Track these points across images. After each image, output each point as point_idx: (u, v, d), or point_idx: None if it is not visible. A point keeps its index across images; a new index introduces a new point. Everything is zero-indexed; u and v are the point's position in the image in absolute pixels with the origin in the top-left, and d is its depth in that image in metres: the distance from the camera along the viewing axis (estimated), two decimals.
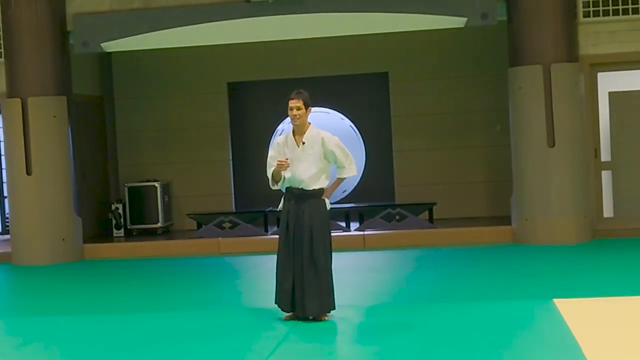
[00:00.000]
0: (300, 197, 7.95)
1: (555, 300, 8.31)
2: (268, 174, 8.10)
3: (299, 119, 7.96)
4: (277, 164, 7.90)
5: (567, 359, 6.41)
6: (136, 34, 13.09)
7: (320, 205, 8.01)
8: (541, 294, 8.80)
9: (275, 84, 15.31)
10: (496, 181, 14.65)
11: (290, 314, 8.07)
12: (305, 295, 7.90)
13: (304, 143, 7.97)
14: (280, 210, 8.18)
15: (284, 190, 8.17)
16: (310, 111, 8.04)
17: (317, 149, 7.97)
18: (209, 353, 7.16)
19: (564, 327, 7.28)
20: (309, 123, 8.07)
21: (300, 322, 7.99)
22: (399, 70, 15.07)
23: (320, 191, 8.03)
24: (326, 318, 8.04)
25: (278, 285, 8.07)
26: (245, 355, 7.06)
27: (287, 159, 7.89)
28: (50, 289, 11.23)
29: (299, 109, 7.95)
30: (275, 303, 8.13)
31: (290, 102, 7.98)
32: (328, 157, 8.02)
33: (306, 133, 8.01)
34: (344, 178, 8.15)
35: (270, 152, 8.15)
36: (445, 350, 6.84)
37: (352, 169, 8.10)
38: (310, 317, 8.00)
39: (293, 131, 8.09)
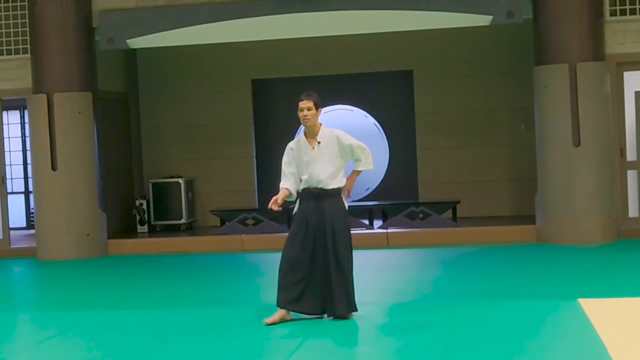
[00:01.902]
0: (320, 196, 7.89)
1: (580, 300, 8.25)
2: (281, 184, 8.01)
3: (309, 119, 7.90)
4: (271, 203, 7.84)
5: (592, 358, 6.37)
6: (161, 31, 13.14)
7: (339, 204, 7.97)
8: (566, 294, 8.75)
9: (299, 81, 15.30)
10: (520, 180, 14.59)
11: (274, 315, 7.86)
12: (334, 296, 7.83)
13: (319, 143, 7.91)
14: (295, 213, 8.07)
15: (299, 192, 8.07)
16: (320, 112, 7.98)
17: (332, 147, 7.91)
18: (232, 349, 7.16)
19: (589, 326, 7.24)
20: (320, 124, 8.01)
21: (322, 320, 7.97)
22: (424, 68, 15.03)
23: (339, 190, 7.97)
24: (351, 316, 8.01)
25: (295, 288, 7.84)
26: (269, 352, 7.06)
27: (279, 205, 7.82)
28: (74, 284, 11.29)
29: (309, 109, 7.90)
30: (284, 306, 7.88)
31: (300, 103, 7.94)
32: (345, 153, 7.97)
33: (319, 133, 7.95)
34: (361, 171, 8.07)
35: (285, 159, 8.07)
36: (469, 348, 6.82)
37: (369, 162, 8.03)
38: (331, 317, 7.92)
39: (305, 133, 8.02)
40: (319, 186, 7.91)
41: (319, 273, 7.88)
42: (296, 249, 7.90)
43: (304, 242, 7.90)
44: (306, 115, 7.91)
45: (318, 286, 7.90)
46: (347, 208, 8.05)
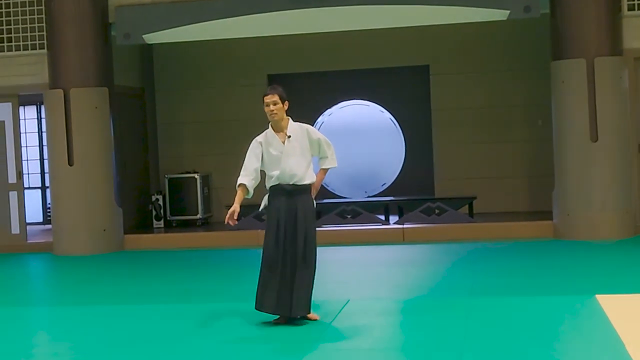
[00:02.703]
0: (293, 193, 7.65)
1: (597, 296, 8.21)
2: (238, 180, 7.71)
3: (276, 114, 7.69)
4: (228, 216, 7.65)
5: (609, 354, 6.33)
6: (177, 26, 13.16)
7: (310, 202, 7.75)
8: (583, 290, 8.70)
9: (315, 76, 15.30)
10: (537, 176, 14.52)
11: (280, 317, 7.72)
12: (294, 295, 7.57)
13: (289, 137, 7.69)
14: (262, 210, 7.88)
15: (268, 188, 7.83)
16: (287, 105, 7.77)
17: (303, 141, 7.71)
18: (255, 343, 7.17)
19: (607, 323, 7.20)
20: (288, 117, 7.81)
21: (342, 317, 7.95)
22: (440, 63, 14.98)
23: (310, 186, 7.76)
24: (317, 317, 7.79)
25: (261, 287, 7.67)
26: (291, 349, 7.06)
27: (235, 219, 7.64)
28: (90, 279, 11.31)
29: (275, 103, 7.69)
30: (259, 308, 7.70)
31: (265, 98, 7.72)
32: (313, 148, 7.77)
33: (288, 127, 7.75)
34: (328, 169, 7.89)
35: (250, 153, 7.77)
36: (485, 344, 6.79)
37: (334, 160, 7.86)
38: (298, 317, 7.68)
39: (272, 128, 7.78)
40: (293, 182, 7.66)
41: (288, 272, 7.62)
42: (271, 250, 7.67)
43: (276, 243, 7.64)
44: (273, 110, 7.68)
45: (285, 286, 7.61)
46: (315, 206, 7.85)
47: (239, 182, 7.74)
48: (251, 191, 7.76)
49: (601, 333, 6.95)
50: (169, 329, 7.85)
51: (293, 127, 7.78)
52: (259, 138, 7.84)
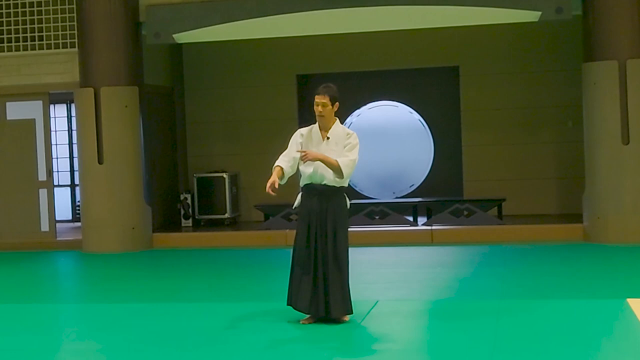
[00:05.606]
0: (324, 193, 7.64)
1: (628, 300, 8.14)
2: (276, 162, 7.67)
3: (323, 115, 7.68)
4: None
5: None
6: (207, 26, 13.18)
7: (342, 203, 7.72)
8: (614, 294, 8.64)
9: (344, 76, 15.26)
10: (567, 178, 14.43)
11: (308, 317, 7.72)
12: (330, 296, 7.56)
13: (328, 138, 7.68)
14: (296, 208, 7.87)
15: (300, 186, 7.83)
16: (337, 107, 7.75)
17: (341, 145, 7.66)
18: (284, 345, 7.16)
19: (638, 327, 7.14)
20: (336, 118, 7.79)
21: (371, 318, 7.93)
22: (470, 64, 14.91)
23: (343, 188, 7.72)
24: (347, 319, 7.74)
25: (295, 286, 7.68)
26: (320, 350, 7.05)
27: (274, 190, 7.51)
28: (119, 277, 11.35)
29: (324, 105, 7.67)
30: (290, 304, 7.73)
31: (316, 97, 7.70)
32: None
33: (332, 129, 7.73)
34: (335, 165, 7.51)
35: (292, 142, 7.77)
36: (514, 348, 6.74)
37: (347, 165, 7.53)
38: (332, 318, 7.63)
39: (319, 125, 7.77)
40: (324, 182, 7.64)
41: (320, 273, 7.62)
42: (300, 249, 7.67)
43: (307, 242, 7.64)
44: (321, 112, 7.68)
45: (318, 287, 7.62)
46: (348, 206, 7.79)
47: (276, 164, 7.72)
48: (286, 177, 7.74)
49: (632, 337, 6.90)
50: (200, 327, 7.85)
51: (337, 129, 7.76)
52: (303, 130, 7.86)
